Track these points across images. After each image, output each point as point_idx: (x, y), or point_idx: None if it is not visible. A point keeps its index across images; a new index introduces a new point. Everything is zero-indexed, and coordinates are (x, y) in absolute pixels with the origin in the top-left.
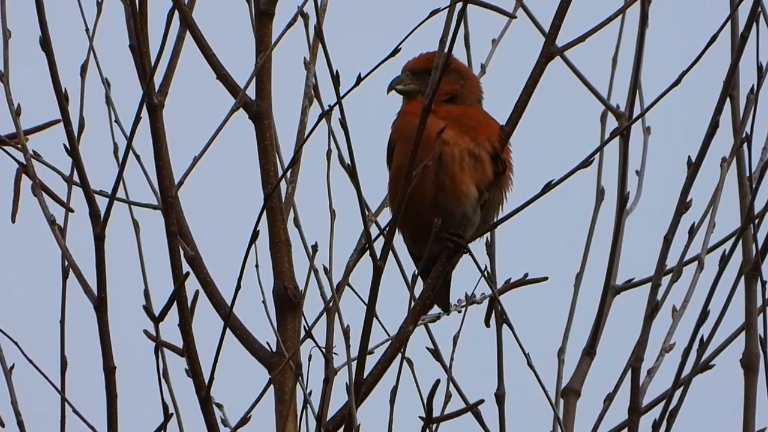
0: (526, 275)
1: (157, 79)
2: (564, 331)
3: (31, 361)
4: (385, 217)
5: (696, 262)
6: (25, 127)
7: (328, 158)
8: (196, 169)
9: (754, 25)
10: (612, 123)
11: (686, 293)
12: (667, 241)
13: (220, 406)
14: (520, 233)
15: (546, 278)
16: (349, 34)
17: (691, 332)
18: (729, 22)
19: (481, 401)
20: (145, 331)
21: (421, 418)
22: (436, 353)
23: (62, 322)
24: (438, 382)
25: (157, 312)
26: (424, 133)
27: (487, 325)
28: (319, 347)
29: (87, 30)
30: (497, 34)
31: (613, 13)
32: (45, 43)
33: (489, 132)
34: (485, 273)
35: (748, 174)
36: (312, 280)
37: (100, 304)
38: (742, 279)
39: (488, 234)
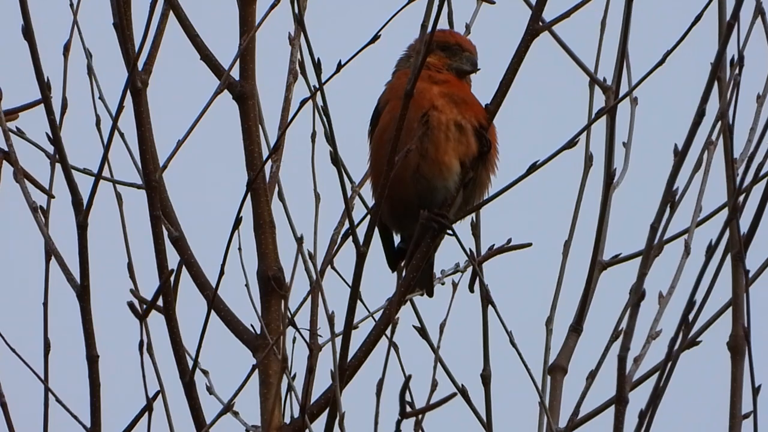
0: (509, 240)
1: (141, 57)
2: (552, 300)
3: (12, 349)
4: (368, 189)
5: (683, 246)
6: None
7: (313, 141)
8: (180, 149)
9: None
10: (598, 94)
11: (672, 280)
12: (654, 229)
13: (205, 372)
14: (506, 208)
15: (530, 244)
16: (330, 20)
17: (679, 319)
18: (717, 4)
19: (454, 395)
20: (130, 304)
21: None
22: (422, 332)
23: (45, 304)
24: (410, 377)
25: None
26: (414, 96)
27: (471, 290)
28: (303, 337)
29: (71, 5)
30: (480, 13)
31: None
32: (27, 32)
33: (477, 110)
34: (468, 251)
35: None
36: (297, 265)
37: (83, 292)
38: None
39: (473, 214)
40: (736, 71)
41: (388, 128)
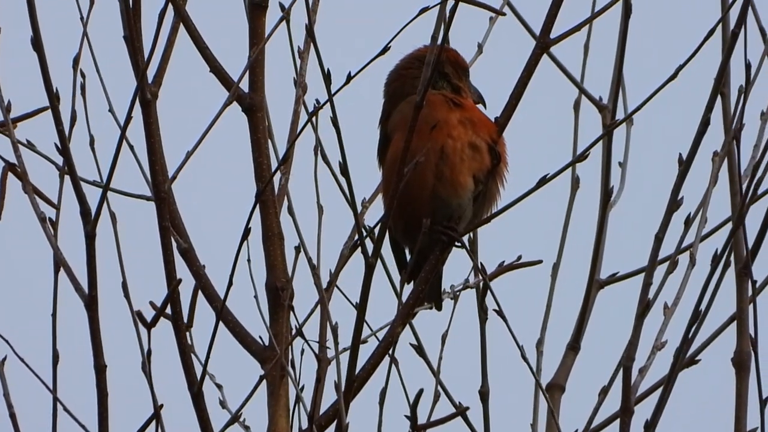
0: (519, 257)
1: (151, 70)
2: (542, 323)
3: (21, 359)
4: (378, 204)
5: (688, 256)
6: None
7: (316, 154)
8: (189, 161)
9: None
10: (587, 109)
11: (678, 290)
12: (659, 239)
13: (219, 387)
14: (501, 227)
15: (540, 261)
16: (340, 32)
17: (684, 331)
18: (721, 17)
19: (466, 408)
20: (137, 313)
21: (408, 419)
22: (419, 350)
23: (54, 315)
24: (422, 391)
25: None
26: (421, 125)
27: (482, 308)
28: (311, 348)
29: (81, 18)
30: (490, 26)
31: (608, 2)
32: (36, 43)
33: (489, 127)
34: (478, 264)
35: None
36: (304, 275)
37: (91, 302)
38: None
39: (471, 232)
40: (742, 83)
41: (400, 157)
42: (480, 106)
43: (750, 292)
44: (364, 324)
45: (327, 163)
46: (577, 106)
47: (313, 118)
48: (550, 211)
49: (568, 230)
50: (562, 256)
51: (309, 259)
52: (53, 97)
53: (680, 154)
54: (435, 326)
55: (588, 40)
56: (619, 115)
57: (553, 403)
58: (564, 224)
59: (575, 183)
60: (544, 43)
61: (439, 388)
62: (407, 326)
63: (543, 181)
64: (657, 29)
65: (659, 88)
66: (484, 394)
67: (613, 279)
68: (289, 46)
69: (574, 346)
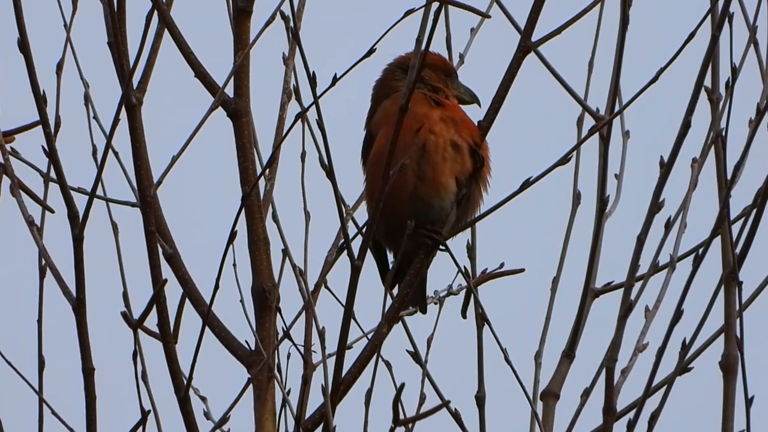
0: (502, 264)
1: (136, 76)
2: (541, 336)
3: (9, 363)
4: (362, 211)
5: (683, 261)
6: (2, 127)
7: (303, 160)
8: (174, 166)
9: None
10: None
11: (659, 293)
12: (640, 241)
13: (204, 399)
14: (499, 235)
15: (523, 269)
16: (326, 34)
17: (665, 332)
18: (709, 21)
19: (449, 402)
20: (123, 314)
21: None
22: (415, 355)
23: (39, 321)
24: (403, 385)
25: (137, 315)
26: (411, 124)
27: (464, 316)
28: (298, 349)
29: (65, 25)
30: (474, 33)
31: (589, 4)
32: (23, 45)
33: (471, 128)
34: (462, 268)
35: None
36: (290, 280)
37: (78, 305)
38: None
39: (469, 237)
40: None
41: (384, 151)
42: (468, 108)
43: (737, 296)
44: (351, 326)
45: (322, 164)
46: (580, 123)
47: (302, 123)
48: (548, 212)
49: (568, 244)
50: (562, 270)
51: (294, 266)
52: (41, 100)
53: (661, 156)
54: (422, 329)
55: (592, 57)
56: (617, 126)
57: (548, 411)
58: (565, 240)
59: (576, 199)
60: (525, 46)
61: (426, 391)
62: (398, 330)
63: (526, 184)
64: (656, 40)
65: (639, 92)
66: (480, 399)
67: (608, 288)
68: (280, 47)
69: (569, 354)
